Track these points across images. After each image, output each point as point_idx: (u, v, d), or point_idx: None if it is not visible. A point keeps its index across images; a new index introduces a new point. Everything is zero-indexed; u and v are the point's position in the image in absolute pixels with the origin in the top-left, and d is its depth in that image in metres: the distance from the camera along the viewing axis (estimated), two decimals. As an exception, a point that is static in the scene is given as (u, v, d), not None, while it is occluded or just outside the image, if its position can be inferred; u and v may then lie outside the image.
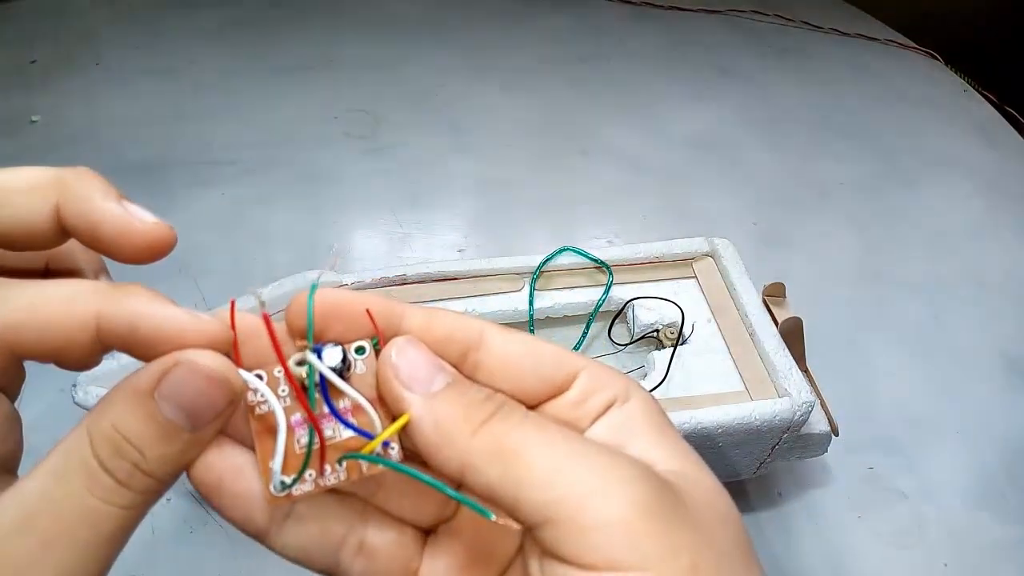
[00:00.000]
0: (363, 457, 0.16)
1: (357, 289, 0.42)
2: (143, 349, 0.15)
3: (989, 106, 0.86)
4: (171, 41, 0.89)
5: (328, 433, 0.16)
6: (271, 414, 0.15)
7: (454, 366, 0.17)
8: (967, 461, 0.50)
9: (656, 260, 0.45)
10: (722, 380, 0.39)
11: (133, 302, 0.14)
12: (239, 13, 0.94)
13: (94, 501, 0.14)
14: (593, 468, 0.15)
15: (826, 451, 0.43)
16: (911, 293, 0.61)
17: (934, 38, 0.97)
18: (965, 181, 0.74)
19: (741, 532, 0.16)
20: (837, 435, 0.42)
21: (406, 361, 0.16)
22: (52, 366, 0.16)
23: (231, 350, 0.15)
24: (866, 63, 0.92)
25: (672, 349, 0.40)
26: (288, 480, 0.15)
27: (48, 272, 0.18)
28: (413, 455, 0.16)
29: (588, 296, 0.43)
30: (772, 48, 0.94)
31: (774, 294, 0.45)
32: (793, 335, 0.43)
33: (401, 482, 0.16)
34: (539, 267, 0.43)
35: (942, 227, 0.68)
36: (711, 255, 0.45)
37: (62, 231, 0.15)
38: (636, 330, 0.42)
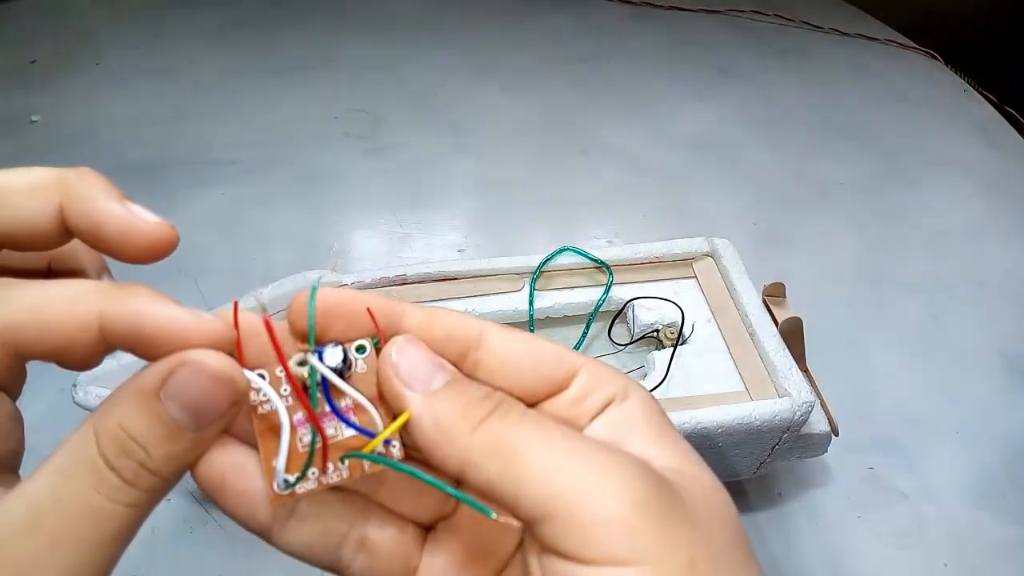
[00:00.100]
0: (365, 456, 0.16)
1: (357, 289, 0.42)
2: (147, 349, 0.15)
3: (989, 106, 0.86)
4: (171, 41, 0.89)
5: (330, 432, 0.16)
6: (274, 413, 0.16)
7: (454, 365, 0.17)
8: (967, 461, 0.50)
9: (656, 260, 0.45)
10: (722, 380, 0.39)
11: (136, 302, 0.14)
12: (239, 13, 0.94)
13: (100, 499, 0.14)
14: (591, 465, 0.15)
15: (826, 451, 0.43)
16: (911, 293, 0.61)
17: (934, 38, 0.97)
18: (965, 181, 0.74)
19: (739, 530, 0.16)
20: (837, 435, 0.42)
21: (406, 360, 0.16)
22: (52, 366, 0.16)
23: (234, 349, 0.16)
24: (866, 63, 0.92)
25: (672, 349, 0.40)
26: (291, 479, 0.16)
27: (50, 272, 0.18)
28: (415, 452, 0.17)
29: (588, 296, 0.43)
30: (772, 48, 0.94)
31: (774, 294, 0.45)
32: (793, 335, 0.43)
33: (402, 479, 0.16)
34: (539, 267, 0.43)
35: (942, 227, 0.68)
36: (711, 255, 0.45)
37: (65, 231, 0.16)
38: (636, 330, 0.42)
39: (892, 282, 0.62)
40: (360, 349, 0.17)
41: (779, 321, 0.43)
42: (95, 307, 0.14)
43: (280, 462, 0.15)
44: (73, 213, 0.15)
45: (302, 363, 0.16)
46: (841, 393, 0.45)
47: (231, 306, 0.16)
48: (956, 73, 0.93)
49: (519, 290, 0.43)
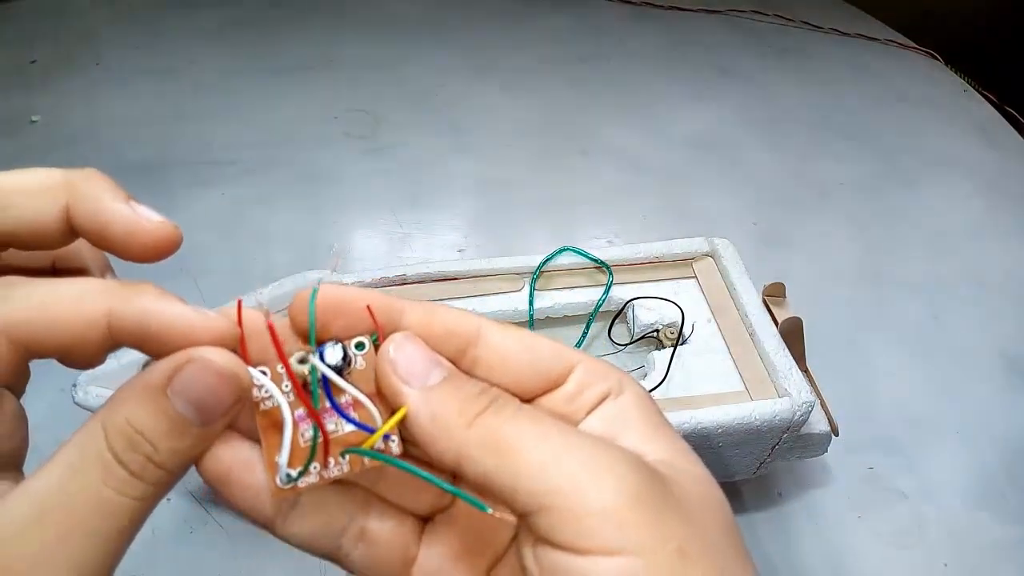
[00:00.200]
0: (364, 452, 0.16)
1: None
2: (153, 346, 0.15)
3: (989, 106, 0.86)
4: (171, 41, 0.89)
5: (331, 427, 0.16)
6: (276, 409, 0.16)
7: (453, 361, 0.17)
8: (967, 461, 0.50)
9: (656, 260, 0.45)
10: (722, 380, 0.39)
11: (143, 300, 0.15)
12: (239, 13, 0.94)
13: (109, 492, 0.14)
14: (585, 459, 0.15)
15: (826, 451, 0.43)
16: (911, 293, 0.61)
17: (934, 38, 0.97)
18: (965, 181, 0.74)
19: (730, 521, 0.17)
20: (837, 435, 0.42)
21: (403, 356, 0.16)
22: (53, 366, 0.16)
23: (237, 347, 0.16)
24: (866, 63, 0.92)
25: (672, 349, 0.40)
26: (294, 473, 0.16)
27: (55, 271, 0.18)
28: (414, 447, 0.17)
29: (588, 296, 0.43)
30: (772, 48, 0.94)
31: (774, 294, 0.45)
32: (793, 335, 0.43)
33: (401, 473, 0.16)
34: (539, 267, 0.43)
35: (942, 227, 0.68)
36: (711, 255, 0.45)
37: (71, 231, 0.16)
38: (636, 330, 0.42)
39: (892, 282, 0.62)
40: (359, 346, 0.17)
41: (779, 321, 0.43)
42: (102, 305, 0.15)
43: (283, 457, 0.16)
44: (79, 213, 0.16)
45: (303, 361, 0.16)
46: (841, 393, 0.45)
47: (235, 304, 0.16)
48: (956, 73, 0.93)
49: (519, 290, 0.43)
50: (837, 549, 0.45)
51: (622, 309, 0.43)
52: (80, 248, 0.18)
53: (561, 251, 0.44)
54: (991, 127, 0.83)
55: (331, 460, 0.16)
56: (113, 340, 0.15)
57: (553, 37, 0.93)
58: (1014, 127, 0.83)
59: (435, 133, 0.76)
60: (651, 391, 0.38)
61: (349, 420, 0.16)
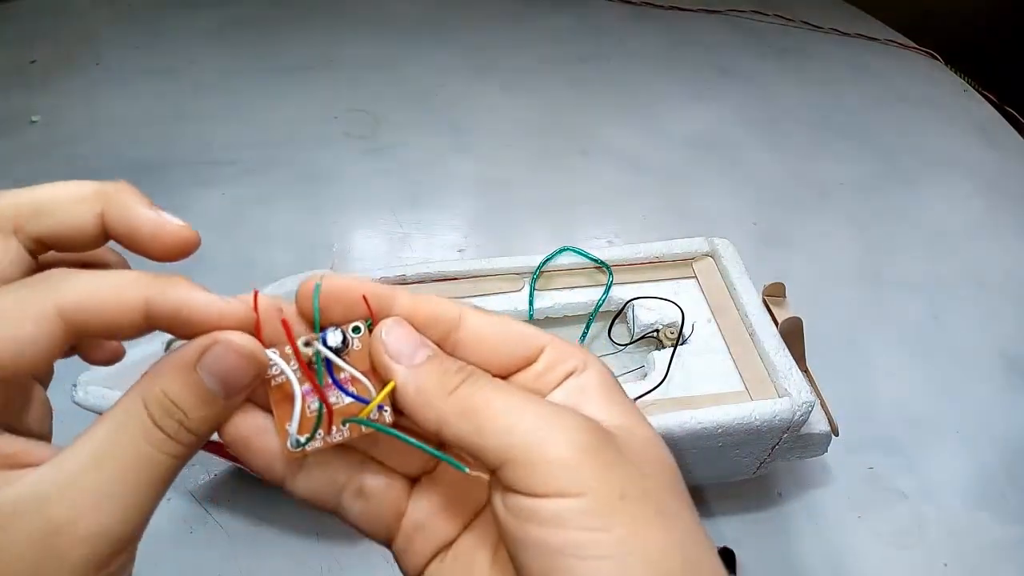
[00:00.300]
0: (361, 421, 0.19)
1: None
2: (184, 329, 0.18)
3: (989, 106, 0.86)
4: (171, 41, 0.89)
5: (332, 400, 0.19)
6: (286, 385, 0.19)
7: (438, 343, 0.20)
8: (967, 461, 0.50)
9: (656, 260, 0.45)
10: (722, 380, 0.39)
11: (178, 290, 0.17)
12: (239, 13, 0.94)
13: (149, 449, 0.17)
14: (541, 419, 0.18)
15: (826, 451, 0.43)
16: (911, 293, 0.61)
17: (934, 38, 0.97)
18: (965, 181, 0.74)
19: (671, 473, 0.19)
20: (837, 435, 0.42)
21: (393, 338, 0.19)
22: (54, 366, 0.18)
23: (254, 330, 0.18)
24: (866, 63, 0.92)
25: (672, 349, 0.40)
26: (302, 439, 0.19)
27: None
28: (404, 419, 0.20)
29: (588, 296, 0.43)
30: (772, 48, 0.94)
31: (774, 294, 0.45)
32: (793, 335, 0.43)
33: (393, 439, 0.19)
34: (539, 267, 0.43)
35: (942, 227, 0.68)
36: (711, 255, 0.45)
37: (104, 234, 0.19)
38: (636, 330, 0.42)
39: (892, 282, 0.62)
40: (356, 330, 0.20)
41: (779, 321, 0.43)
42: (142, 293, 0.17)
43: (293, 426, 0.19)
44: (113, 219, 0.18)
45: (308, 344, 0.19)
46: (841, 393, 0.45)
47: (250, 294, 0.19)
48: (956, 73, 0.93)
49: (519, 290, 0.43)
50: (837, 549, 0.45)
51: (622, 309, 0.43)
52: (104, 250, 0.21)
53: (561, 251, 0.44)
54: (991, 127, 0.83)
55: (333, 428, 0.19)
56: (149, 323, 0.17)
57: (553, 37, 0.93)
58: (1014, 127, 0.83)
59: (435, 133, 0.76)
60: (651, 391, 0.38)
61: (348, 394, 0.19)
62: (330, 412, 0.19)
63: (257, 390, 0.19)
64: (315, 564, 0.42)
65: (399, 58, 0.87)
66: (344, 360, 0.19)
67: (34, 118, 0.75)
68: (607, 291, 0.43)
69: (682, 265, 0.45)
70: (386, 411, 0.19)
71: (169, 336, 0.18)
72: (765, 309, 0.43)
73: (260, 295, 0.19)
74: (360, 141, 0.75)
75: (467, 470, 0.18)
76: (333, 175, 0.70)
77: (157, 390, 0.17)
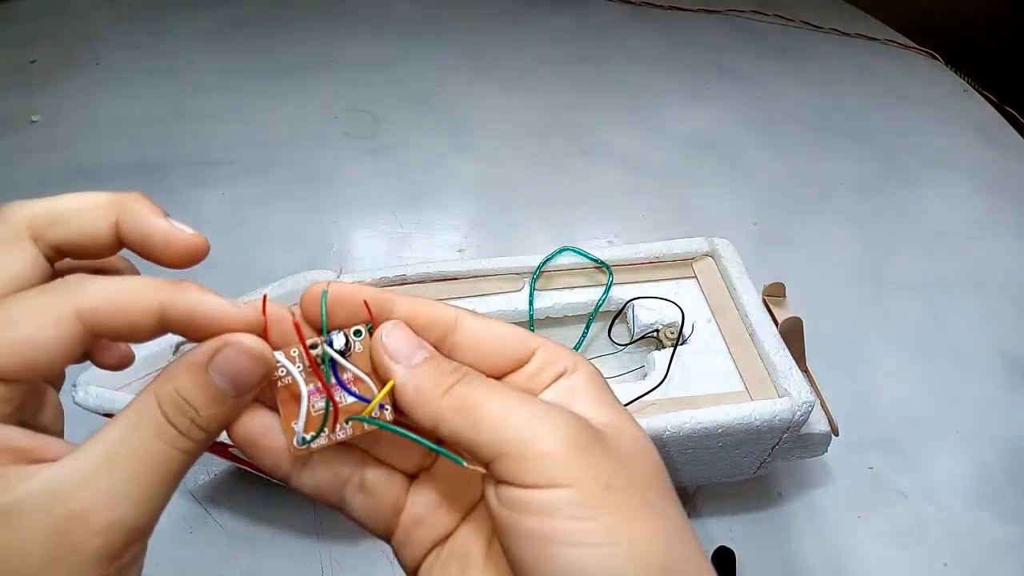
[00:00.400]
0: (363, 419, 0.20)
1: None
2: (196, 331, 0.18)
3: (989, 106, 0.86)
4: (171, 41, 0.89)
5: (336, 399, 0.20)
6: (292, 385, 0.20)
7: (435, 346, 0.21)
8: (967, 461, 0.50)
9: (656, 260, 0.45)
10: (722, 380, 0.39)
11: (190, 294, 0.18)
12: (239, 13, 0.94)
13: (162, 446, 0.18)
14: (533, 416, 0.19)
15: (826, 451, 0.43)
16: (911, 293, 0.61)
17: (934, 38, 0.97)
18: (965, 181, 0.74)
19: (656, 469, 0.20)
20: (837, 435, 0.42)
21: (393, 340, 0.20)
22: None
23: (262, 333, 0.19)
24: (866, 63, 0.92)
25: (672, 349, 0.40)
26: (308, 437, 0.20)
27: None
28: (404, 418, 0.20)
29: (588, 296, 0.43)
30: (772, 48, 0.94)
31: (774, 294, 0.45)
32: (793, 335, 0.43)
33: (393, 437, 0.20)
34: (539, 267, 0.43)
35: (942, 227, 0.68)
36: (711, 255, 0.45)
37: (118, 242, 0.19)
38: (636, 330, 0.42)
39: (892, 282, 0.62)
40: (357, 333, 0.21)
41: (779, 321, 0.43)
42: (156, 297, 0.18)
43: (300, 424, 0.20)
44: (127, 227, 0.19)
45: (313, 346, 0.20)
46: (841, 393, 0.45)
47: (259, 297, 0.20)
48: (956, 73, 0.93)
49: (519, 290, 0.43)
50: (837, 549, 0.45)
51: (622, 309, 0.43)
52: (116, 257, 0.21)
53: (561, 251, 0.44)
54: (991, 127, 0.83)
55: (337, 426, 0.20)
56: (162, 326, 0.18)
57: (553, 37, 0.93)
58: (1014, 127, 0.83)
59: (435, 133, 0.76)
60: (651, 391, 0.38)
61: (351, 393, 0.20)
62: (336, 410, 0.20)
63: (264, 391, 0.20)
64: (315, 564, 0.42)
65: (399, 58, 0.87)
66: (347, 361, 0.20)
67: (34, 118, 0.75)
68: (607, 291, 0.43)
69: (682, 265, 0.45)
70: (387, 410, 0.20)
71: (178, 339, 0.20)
72: (765, 309, 0.43)
73: (268, 300, 0.20)
74: (360, 141, 0.75)
75: (464, 463, 0.19)
76: (333, 175, 0.70)
77: (170, 389, 0.18)
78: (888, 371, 0.55)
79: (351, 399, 0.20)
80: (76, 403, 0.35)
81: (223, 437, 0.19)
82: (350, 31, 0.92)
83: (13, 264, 0.18)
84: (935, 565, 0.44)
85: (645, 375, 0.40)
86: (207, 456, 0.41)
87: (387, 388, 0.20)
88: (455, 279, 0.43)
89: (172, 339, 0.37)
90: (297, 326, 0.19)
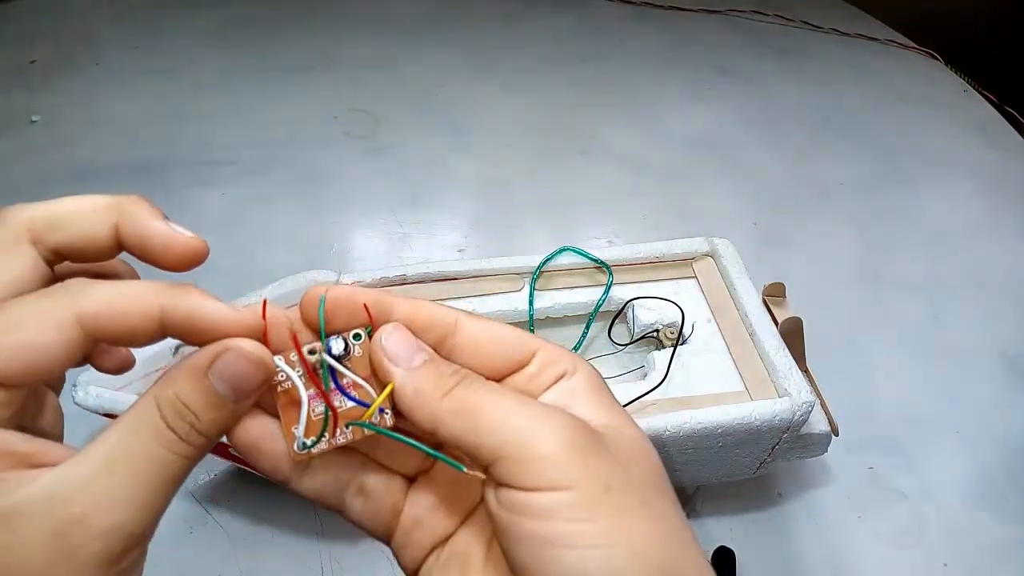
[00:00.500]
0: (363, 424, 0.20)
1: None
2: (197, 335, 0.18)
3: (989, 106, 0.86)
4: (171, 41, 0.89)
5: (336, 403, 0.20)
6: (292, 390, 0.20)
7: (435, 347, 0.21)
8: (967, 461, 0.50)
9: (656, 260, 0.45)
10: (722, 380, 0.39)
11: (190, 299, 0.18)
12: (239, 13, 0.94)
13: (162, 450, 0.18)
14: (532, 418, 0.19)
15: (826, 451, 0.43)
16: (911, 293, 0.61)
17: (934, 38, 0.97)
18: (965, 181, 0.74)
19: (655, 469, 0.20)
20: (837, 435, 0.42)
21: (392, 343, 0.20)
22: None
23: (262, 337, 0.19)
24: (866, 63, 0.92)
25: (672, 349, 0.40)
26: (308, 442, 0.20)
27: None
28: (404, 419, 0.21)
29: (588, 296, 0.43)
30: (772, 48, 0.94)
31: (774, 294, 0.45)
32: (793, 335, 0.43)
33: (392, 441, 0.20)
34: (539, 267, 0.43)
35: (942, 227, 0.68)
36: (711, 255, 0.45)
37: (118, 246, 0.19)
38: (636, 330, 0.42)
39: (892, 282, 0.62)
40: (356, 337, 0.21)
41: (779, 321, 0.43)
42: (157, 301, 0.18)
43: (300, 430, 0.20)
44: (126, 231, 0.19)
45: (312, 352, 0.20)
46: (841, 393, 0.45)
47: (259, 299, 0.20)
48: (956, 73, 0.93)
49: (519, 290, 0.43)
50: (837, 549, 0.45)
51: (622, 309, 0.43)
52: (115, 261, 0.21)
53: (561, 251, 0.44)
54: (991, 127, 0.83)
55: (338, 431, 0.20)
56: (163, 331, 0.18)
57: (553, 37, 0.93)
58: (1014, 127, 0.83)
59: (435, 133, 0.76)
60: (651, 391, 0.38)
61: (350, 398, 0.20)
62: (335, 416, 0.20)
63: (264, 395, 0.20)
64: (315, 564, 0.42)
65: (399, 58, 0.87)
66: (346, 366, 0.20)
67: (34, 118, 0.75)
68: (607, 291, 0.43)
69: (682, 265, 0.45)
70: (387, 413, 0.20)
71: (177, 340, 0.19)
72: (765, 309, 0.43)
73: (268, 304, 0.20)
74: (360, 141, 0.75)
75: (465, 469, 0.19)
76: (333, 175, 0.70)
77: (170, 394, 0.18)
78: (888, 371, 0.55)
79: (351, 404, 0.20)
80: (76, 403, 0.35)
81: (223, 438, 0.20)
82: (350, 31, 0.92)
83: (13, 267, 0.18)
84: (935, 565, 0.44)
85: (645, 375, 0.40)
86: (207, 456, 0.41)
87: (386, 391, 0.20)
88: (455, 279, 0.43)
89: (171, 341, 0.37)
90: (294, 337, 0.19)
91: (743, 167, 0.74)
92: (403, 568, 0.22)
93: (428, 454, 0.20)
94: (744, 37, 0.96)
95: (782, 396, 0.38)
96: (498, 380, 0.21)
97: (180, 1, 0.97)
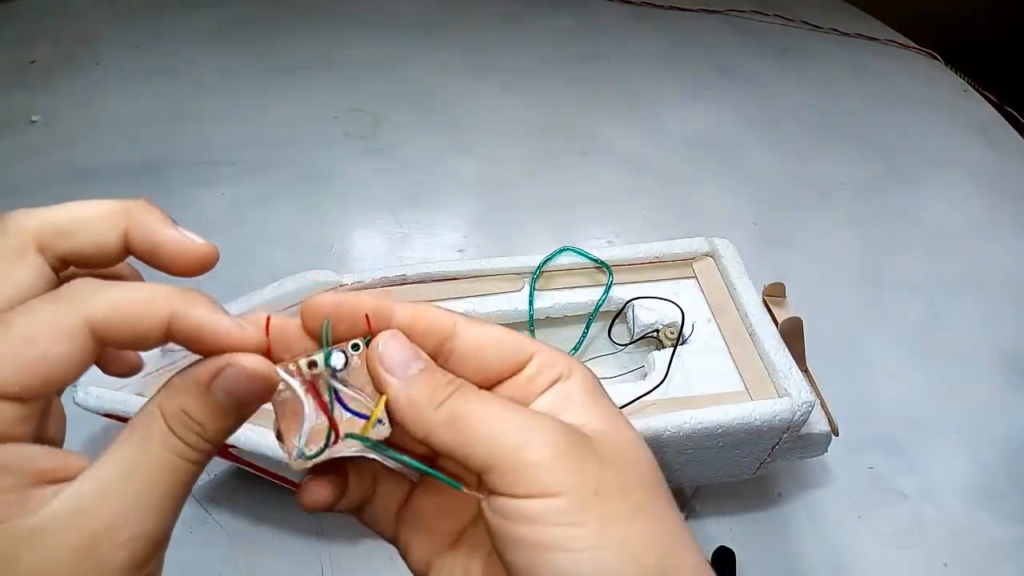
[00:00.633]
0: (361, 439, 0.21)
1: (357, 289, 0.42)
2: (201, 348, 0.19)
3: (989, 106, 0.86)
4: (171, 41, 0.89)
5: (336, 414, 0.21)
6: (292, 400, 0.20)
7: (434, 352, 0.21)
8: (967, 461, 0.50)
9: (656, 260, 0.45)
10: (722, 380, 0.39)
11: (200, 311, 0.18)
12: (239, 13, 0.94)
13: (172, 457, 0.18)
14: (520, 427, 0.19)
15: (826, 451, 0.43)
16: (911, 293, 0.61)
17: (934, 38, 0.97)
18: (965, 181, 0.74)
19: (650, 471, 0.20)
20: (837, 435, 0.42)
21: (389, 351, 0.20)
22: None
23: (266, 352, 0.20)
24: (866, 63, 0.92)
25: (672, 349, 0.40)
26: (309, 452, 0.20)
27: None
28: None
29: (588, 296, 0.43)
30: (772, 48, 0.94)
31: (774, 294, 0.45)
32: (793, 335, 0.43)
33: (395, 445, 0.21)
34: (539, 267, 0.43)
35: (942, 227, 0.68)
36: (711, 255, 0.45)
37: (126, 251, 0.19)
38: (636, 330, 0.42)
39: (892, 282, 0.62)
40: (355, 347, 0.21)
41: (779, 321, 0.43)
42: (166, 308, 0.18)
43: (301, 441, 0.20)
44: (136, 236, 0.19)
45: (312, 364, 0.20)
46: (841, 393, 0.45)
47: (259, 302, 0.20)
48: (956, 73, 0.93)
49: (519, 290, 0.43)
50: (837, 549, 0.45)
51: (622, 309, 0.43)
52: (121, 264, 0.21)
53: (561, 251, 0.44)
54: (991, 127, 0.83)
55: (339, 442, 0.21)
56: (167, 338, 0.18)
57: (553, 37, 0.93)
58: (1014, 127, 0.83)
59: (435, 133, 0.76)
60: (651, 391, 0.38)
61: (350, 411, 0.21)
62: (336, 432, 0.20)
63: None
64: (315, 564, 0.42)
65: (399, 58, 0.87)
66: (345, 379, 0.21)
67: (34, 118, 0.75)
68: (607, 291, 0.43)
69: (682, 265, 0.45)
70: (384, 424, 0.21)
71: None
72: (765, 309, 0.43)
73: (272, 318, 0.20)
74: (360, 141, 0.75)
75: (462, 488, 0.20)
76: (333, 175, 0.70)
77: (176, 407, 0.18)
78: (888, 371, 0.55)
79: (349, 415, 0.21)
80: (76, 403, 0.35)
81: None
82: (350, 31, 0.92)
83: (20, 277, 0.18)
84: (935, 565, 0.44)
85: (645, 375, 0.40)
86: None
87: (381, 402, 0.20)
88: (455, 279, 0.43)
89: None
90: (299, 369, 0.20)
91: (743, 167, 0.74)
92: (410, 567, 0.23)
93: (424, 472, 0.20)
94: (744, 37, 0.96)
95: (782, 396, 0.38)
96: (495, 383, 0.21)
97: (180, 1, 0.97)
